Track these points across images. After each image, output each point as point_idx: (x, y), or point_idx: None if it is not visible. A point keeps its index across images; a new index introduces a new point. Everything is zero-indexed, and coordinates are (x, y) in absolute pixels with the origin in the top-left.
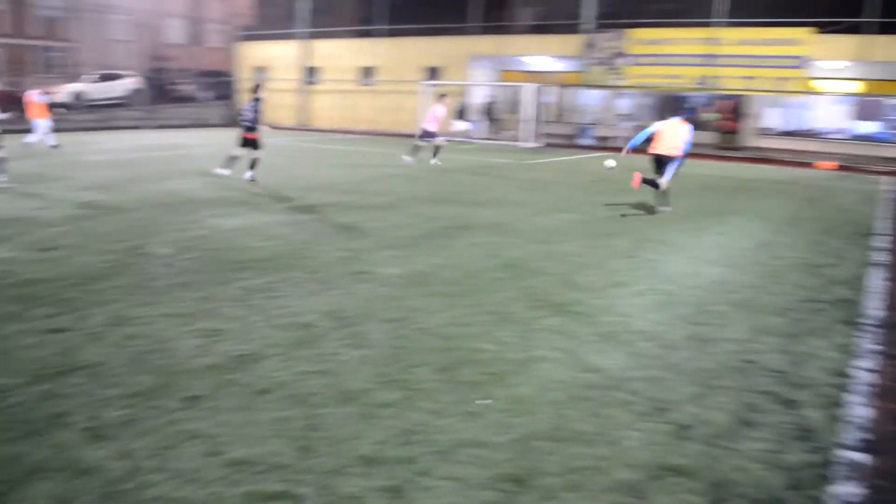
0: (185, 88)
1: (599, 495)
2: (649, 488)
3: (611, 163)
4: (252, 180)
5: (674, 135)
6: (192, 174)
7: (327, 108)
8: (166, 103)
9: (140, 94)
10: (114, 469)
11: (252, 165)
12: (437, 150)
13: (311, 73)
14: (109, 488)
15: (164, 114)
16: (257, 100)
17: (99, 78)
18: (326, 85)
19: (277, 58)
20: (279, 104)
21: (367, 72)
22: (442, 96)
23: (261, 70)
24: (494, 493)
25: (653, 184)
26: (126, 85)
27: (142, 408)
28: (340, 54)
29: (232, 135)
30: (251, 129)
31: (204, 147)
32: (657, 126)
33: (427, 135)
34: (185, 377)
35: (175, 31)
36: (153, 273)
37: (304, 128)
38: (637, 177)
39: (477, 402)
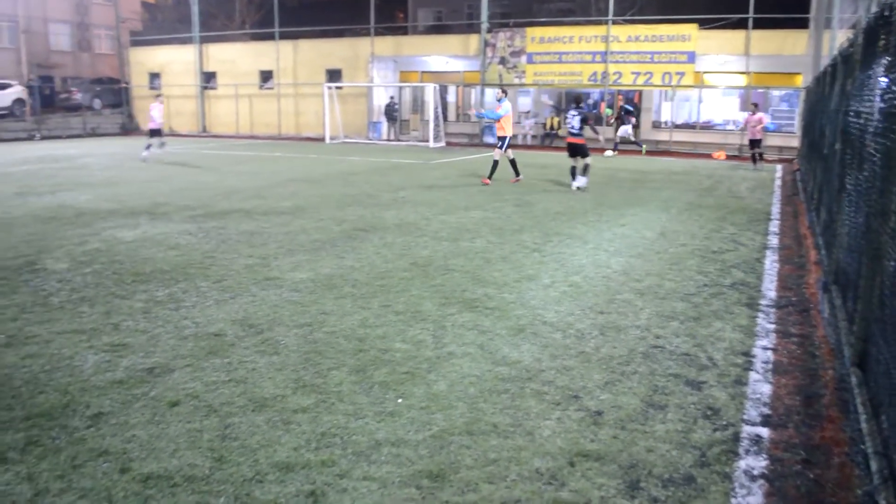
0: (75, 97)
1: (517, 485)
2: (566, 475)
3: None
4: (580, 188)
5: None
6: (85, 185)
7: (227, 113)
8: (56, 112)
9: (21, 104)
10: (19, 493)
11: (584, 172)
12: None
13: (207, 79)
14: None
15: (53, 123)
16: (580, 109)
17: None
18: (225, 90)
19: (172, 63)
20: (176, 111)
21: (266, 75)
22: (755, 105)
23: (156, 76)
24: (414, 490)
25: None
26: (7, 95)
27: (45, 428)
28: (237, 58)
29: (128, 142)
30: (577, 135)
31: (97, 157)
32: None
33: (755, 143)
34: (89, 394)
35: (61, 38)
36: (50, 289)
37: (203, 134)
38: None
39: (399, 400)
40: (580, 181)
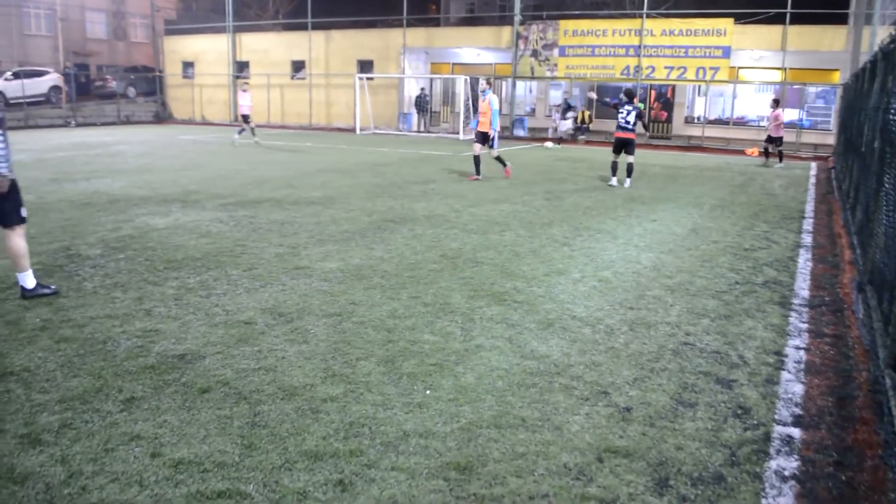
0: (110, 85)
1: (545, 479)
2: (594, 470)
3: (550, 144)
4: (626, 188)
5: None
6: (119, 172)
7: (258, 102)
8: (91, 100)
9: (58, 91)
10: (52, 475)
11: (629, 173)
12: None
13: (240, 68)
14: (48, 494)
15: (88, 111)
16: (633, 105)
17: (12, 76)
18: (257, 79)
19: (205, 52)
20: (209, 100)
21: (298, 66)
22: (776, 101)
23: (189, 65)
24: (442, 481)
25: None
26: (44, 82)
27: (78, 411)
28: (269, 48)
29: (161, 131)
30: (630, 130)
31: (130, 145)
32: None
33: (773, 140)
34: (122, 379)
35: (97, 26)
36: (84, 274)
37: (235, 124)
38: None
39: (427, 392)
40: (626, 183)
